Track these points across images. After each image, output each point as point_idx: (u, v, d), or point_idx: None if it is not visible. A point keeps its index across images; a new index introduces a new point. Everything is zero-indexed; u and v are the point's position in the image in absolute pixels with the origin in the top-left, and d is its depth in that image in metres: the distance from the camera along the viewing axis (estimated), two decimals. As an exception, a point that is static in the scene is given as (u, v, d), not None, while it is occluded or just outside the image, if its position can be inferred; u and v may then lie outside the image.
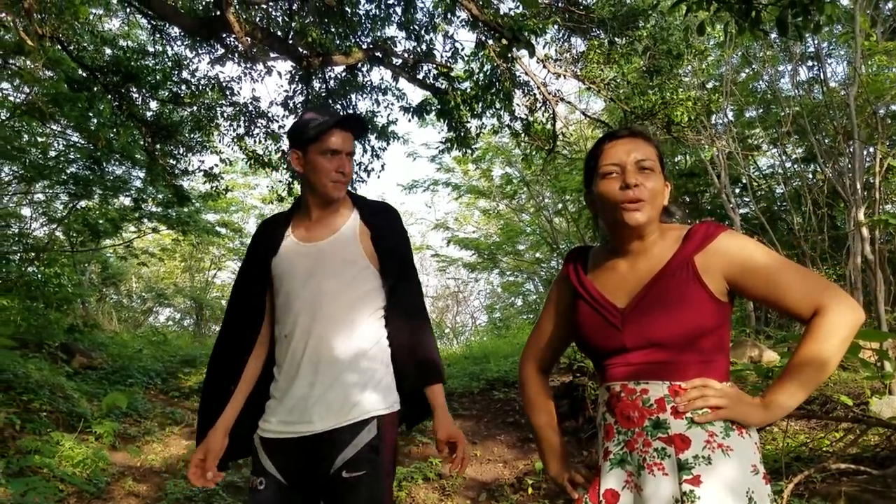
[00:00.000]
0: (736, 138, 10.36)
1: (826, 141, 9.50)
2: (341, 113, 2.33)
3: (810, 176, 11.05)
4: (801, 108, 9.30)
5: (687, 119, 7.88)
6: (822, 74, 9.18)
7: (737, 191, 11.90)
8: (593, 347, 1.73)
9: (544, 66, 7.94)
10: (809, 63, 10.21)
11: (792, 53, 9.25)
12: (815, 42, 8.83)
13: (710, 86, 10.77)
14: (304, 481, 2.02)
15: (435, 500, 4.64)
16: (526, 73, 7.89)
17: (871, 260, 5.92)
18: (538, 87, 7.99)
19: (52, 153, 10.65)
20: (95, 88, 8.12)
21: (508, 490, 4.71)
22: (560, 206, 16.19)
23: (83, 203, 11.59)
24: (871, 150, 6.82)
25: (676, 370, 1.59)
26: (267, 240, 2.17)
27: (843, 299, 1.53)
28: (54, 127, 10.13)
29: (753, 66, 10.86)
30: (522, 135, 8.63)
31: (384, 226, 2.17)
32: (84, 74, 8.01)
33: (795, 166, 11.26)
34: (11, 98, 9.63)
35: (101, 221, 11.63)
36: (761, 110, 11.67)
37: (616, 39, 7.76)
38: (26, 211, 12.80)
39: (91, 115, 9.24)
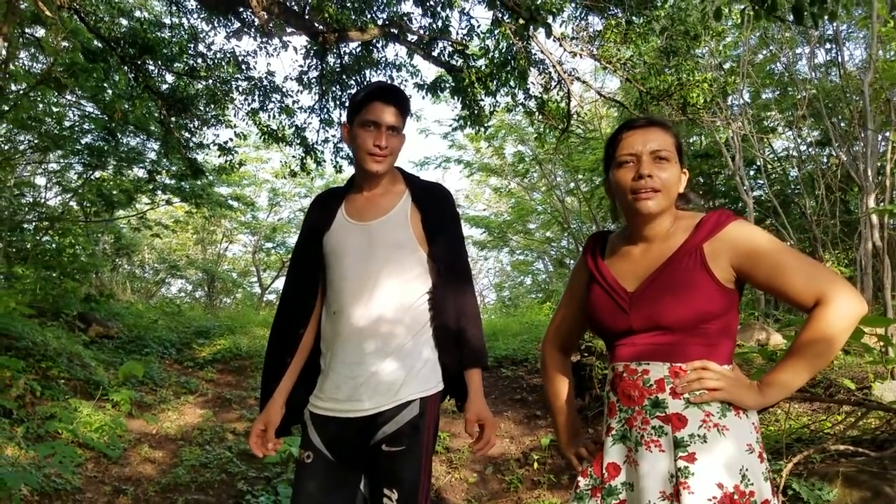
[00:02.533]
0: (751, 120, 10.29)
1: (842, 125, 9.44)
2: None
3: (825, 160, 10.98)
4: (818, 91, 9.23)
5: (703, 101, 7.83)
6: (839, 58, 9.08)
7: (751, 173, 11.84)
8: (603, 328, 1.79)
9: (560, 45, 7.89)
10: (827, 46, 10.11)
11: (809, 36, 9.16)
12: (834, 25, 8.74)
13: (726, 66, 10.68)
14: (348, 457, 2.07)
15: (442, 473, 4.74)
16: (542, 52, 7.86)
17: (879, 247, 5.92)
18: (553, 66, 7.96)
19: (67, 123, 10.73)
20: (111, 60, 8.15)
21: (514, 465, 4.80)
22: (572, 185, 16.15)
23: (98, 174, 11.67)
24: (887, 135, 6.77)
25: (679, 352, 1.64)
26: (320, 215, 2.18)
27: (846, 290, 1.56)
28: (70, 97, 10.20)
29: (771, 48, 10.75)
30: (536, 113, 8.61)
31: (435, 209, 2.16)
32: (100, 45, 8.04)
33: (810, 150, 11.19)
34: (27, 67, 9.67)
35: (115, 192, 11.72)
36: (778, 92, 11.58)
37: (633, 19, 7.70)
38: (41, 180, 12.93)
39: (107, 86, 9.28)
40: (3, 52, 6.85)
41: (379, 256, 2.07)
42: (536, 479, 4.55)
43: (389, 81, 8.77)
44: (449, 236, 2.16)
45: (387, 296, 2.05)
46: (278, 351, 2.16)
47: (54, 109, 10.35)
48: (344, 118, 2.26)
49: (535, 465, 4.71)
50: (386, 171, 2.11)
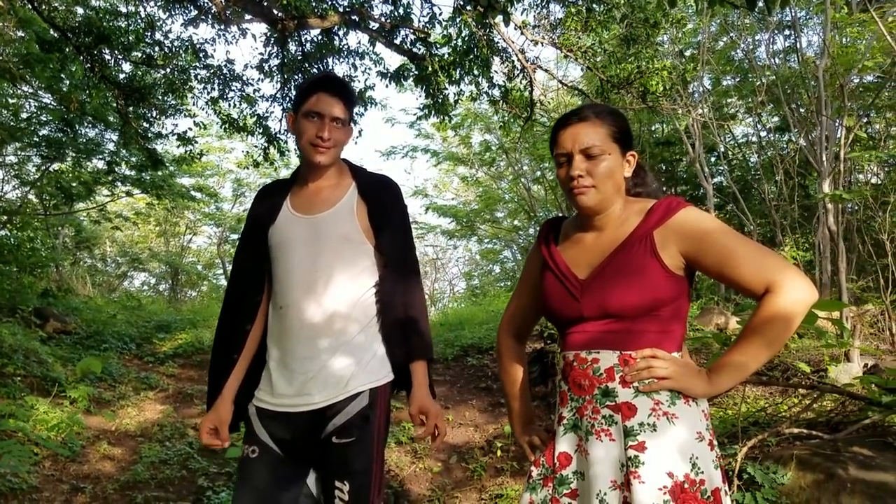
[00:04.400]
0: (712, 107, 10.41)
1: (801, 111, 9.59)
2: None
3: (784, 146, 11.15)
4: (777, 77, 9.36)
5: (662, 88, 7.90)
6: (797, 44, 9.21)
7: (712, 160, 11.99)
8: (555, 316, 1.79)
9: (522, 33, 7.89)
10: (786, 32, 10.25)
11: (768, 23, 9.26)
12: (792, 11, 8.85)
13: (688, 53, 10.77)
14: (297, 451, 2.05)
15: (407, 463, 4.74)
16: (504, 40, 7.85)
17: (833, 231, 6.03)
18: (516, 55, 7.95)
19: (24, 115, 10.47)
20: (67, 49, 7.95)
21: (479, 453, 4.81)
22: (538, 173, 16.21)
23: (56, 166, 11.44)
24: (843, 121, 6.89)
25: (630, 339, 1.64)
26: (265, 208, 2.15)
27: (796, 277, 1.56)
28: (26, 88, 9.94)
29: (731, 35, 10.87)
30: (500, 102, 8.61)
31: (380, 201, 2.14)
32: (55, 35, 7.83)
33: (770, 136, 11.35)
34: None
35: (74, 184, 11.50)
36: (738, 79, 11.71)
37: (594, 6, 7.72)
38: (-3, 174, 12.59)
39: (63, 76, 9.06)
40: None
41: (327, 250, 2.05)
42: (500, 466, 4.56)
43: (351, 70, 8.77)
44: (395, 229, 2.15)
45: (336, 290, 2.04)
46: (226, 348, 2.13)
47: (10, 101, 10.10)
48: None
49: (499, 452, 4.73)
50: (330, 162, 2.08)
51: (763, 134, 11.65)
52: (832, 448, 3.26)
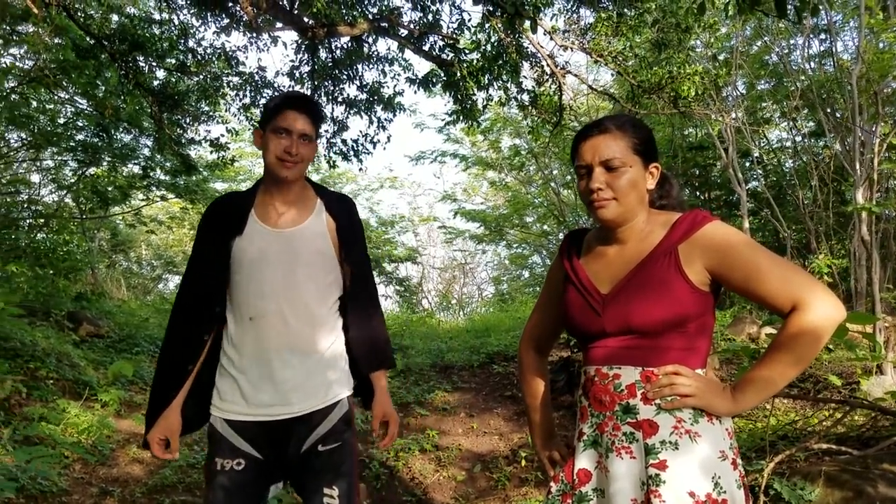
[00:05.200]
0: (746, 112, 10.25)
1: (836, 115, 9.40)
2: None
3: (819, 151, 10.95)
4: (811, 81, 9.19)
5: (694, 93, 7.80)
6: (833, 48, 9.03)
7: (746, 165, 11.80)
8: (576, 330, 1.77)
9: (551, 38, 7.86)
10: (822, 36, 10.07)
11: (803, 26, 9.10)
12: (828, 15, 8.69)
13: (721, 58, 10.63)
14: (270, 458, 2.10)
15: (431, 471, 4.72)
16: (533, 45, 7.82)
17: (867, 241, 5.90)
18: (545, 60, 7.92)
19: (61, 120, 10.69)
20: (102, 56, 8.11)
21: (503, 462, 4.78)
22: (568, 178, 16.11)
23: (92, 170, 11.65)
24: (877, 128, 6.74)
25: (653, 355, 1.62)
26: (226, 220, 2.16)
27: (823, 295, 1.52)
28: (62, 94, 10.16)
29: (766, 39, 10.70)
30: (529, 107, 8.58)
31: (347, 217, 2.24)
32: (91, 42, 7.99)
33: (805, 141, 11.15)
34: (20, 65, 9.63)
35: (109, 189, 11.70)
36: (773, 83, 11.52)
37: (625, 11, 7.67)
38: (35, 178, 12.87)
39: (98, 82, 9.24)
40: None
41: (303, 263, 2.12)
42: (524, 476, 4.53)
43: (380, 76, 8.82)
44: (359, 244, 2.27)
45: (312, 302, 2.12)
46: (180, 358, 2.12)
47: (48, 107, 10.32)
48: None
49: (524, 462, 4.69)
50: (297, 177, 2.14)
51: (798, 139, 11.45)
52: (862, 465, 3.18)
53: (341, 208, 2.25)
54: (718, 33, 9.67)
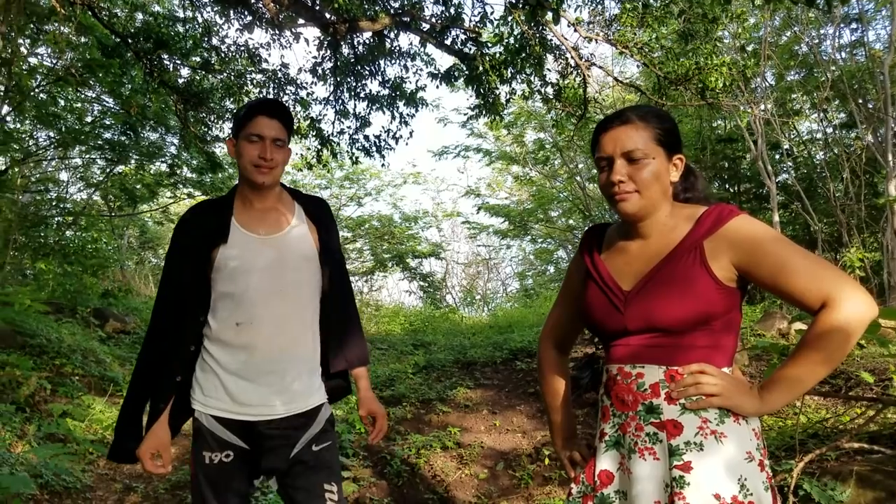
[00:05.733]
0: (775, 103, 10.07)
1: (869, 106, 9.21)
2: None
3: (851, 142, 10.73)
4: (842, 72, 9.00)
5: (721, 84, 7.66)
6: (864, 37, 8.83)
7: (776, 157, 11.60)
8: (597, 328, 1.73)
9: (575, 30, 7.76)
10: (853, 25, 9.85)
11: (833, 16, 8.91)
12: (859, 4, 8.50)
13: (749, 48, 10.45)
14: (258, 451, 2.10)
15: (453, 469, 4.69)
16: (556, 38, 7.73)
17: (900, 234, 5.77)
18: (569, 52, 7.83)
19: (88, 119, 10.82)
20: (128, 55, 8.18)
21: (526, 460, 4.72)
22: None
23: (120, 168, 11.80)
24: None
25: (677, 354, 1.57)
26: (205, 227, 2.15)
27: (854, 292, 1.46)
28: (89, 93, 10.28)
29: (795, 29, 10.50)
30: (553, 100, 8.49)
31: (324, 220, 2.28)
32: (116, 40, 8.07)
33: (836, 132, 10.93)
34: (47, 64, 9.76)
35: (137, 186, 11.85)
36: (803, 74, 11.31)
37: (650, 1, 7.56)
38: (63, 176, 13.06)
39: (125, 81, 9.33)
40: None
41: (290, 268, 2.14)
42: (548, 475, 4.47)
43: (402, 71, 8.79)
44: (336, 245, 2.31)
45: (299, 306, 2.15)
46: (168, 370, 2.10)
47: (75, 105, 10.45)
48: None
49: (547, 460, 4.63)
50: (273, 182, 2.16)
51: (829, 130, 11.22)
52: (894, 464, 3.09)
53: (319, 212, 2.28)
54: (746, 23, 9.50)
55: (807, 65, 11.00)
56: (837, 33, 9.64)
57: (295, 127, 9.07)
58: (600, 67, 9.00)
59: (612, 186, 1.62)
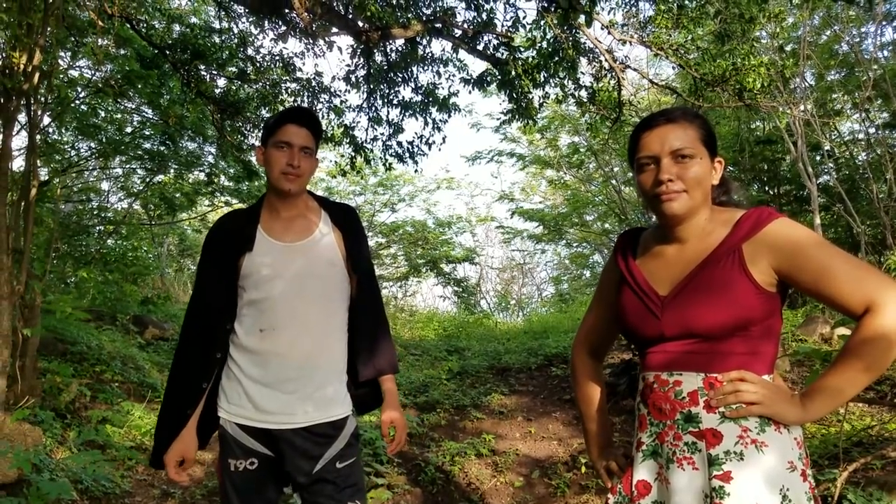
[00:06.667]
0: (815, 104, 9.87)
1: (913, 105, 8.97)
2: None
3: (894, 143, 10.46)
4: (884, 71, 8.78)
5: (759, 85, 7.53)
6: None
7: (817, 158, 11.36)
8: (633, 334, 1.70)
9: (609, 33, 7.70)
10: (895, 23, 9.61)
11: (875, 13, 8.70)
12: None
13: (788, 48, 10.26)
14: (276, 465, 2.11)
15: (487, 476, 4.66)
16: (590, 40, 7.68)
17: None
18: (603, 55, 7.77)
19: (128, 130, 11.04)
20: (165, 66, 8.33)
21: (562, 468, 4.67)
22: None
23: (159, 178, 12.00)
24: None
25: (715, 361, 1.54)
26: (234, 236, 2.17)
27: None
28: (129, 104, 10.48)
29: (835, 28, 10.28)
30: (588, 104, 8.43)
31: (352, 227, 2.28)
32: (154, 52, 8.22)
33: (879, 132, 10.66)
34: (87, 76, 9.98)
35: (177, 195, 12.04)
36: (843, 73, 11.06)
37: (685, 2, 7.47)
38: (105, 185, 13.33)
39: (163, 92, 9.50)
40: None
41: (315, 275, 2.16)
42: (584, 483, 4.42)
43: (435, 77, 8.81)
44: (364, 252, 2.30)
45: (324, 313, 2.16)
46: (196, 376, 2.13)
47: (115, 116, 10.67)
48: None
49: (583, 468, 4.58)
50: (300, 190, 2.17)
51: (871, 130, 10.95)
52: (947, 474, 2.98)
53: (346, 218, 2.29)
54: (784, 23, 9.33)
55: (847, 64, 10.76)
56: (879, 31, 9.42)
57: (329, 134, 9.22)
58: (635, 70, 8.93)
59: (658, 185, 1.58)
